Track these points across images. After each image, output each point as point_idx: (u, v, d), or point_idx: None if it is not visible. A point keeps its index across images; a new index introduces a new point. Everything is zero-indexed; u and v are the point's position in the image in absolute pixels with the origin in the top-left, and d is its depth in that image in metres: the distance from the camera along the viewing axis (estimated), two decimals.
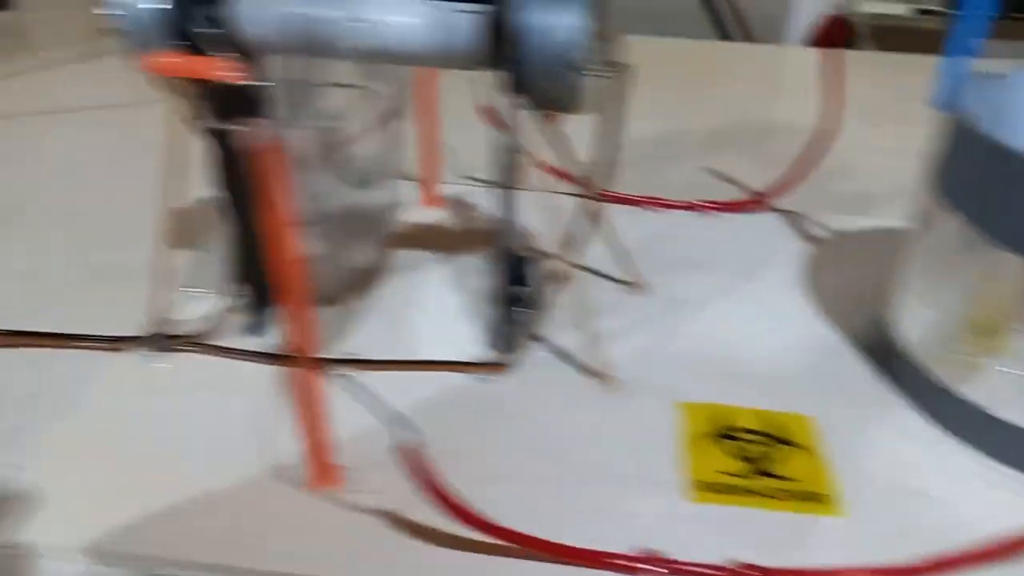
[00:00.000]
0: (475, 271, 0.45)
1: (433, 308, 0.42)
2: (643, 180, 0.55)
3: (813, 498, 0.33)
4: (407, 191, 0.50)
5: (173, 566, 0.29)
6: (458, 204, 0.51)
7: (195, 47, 0.31)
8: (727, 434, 0.35)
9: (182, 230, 0.44)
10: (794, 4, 0.84)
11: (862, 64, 0.77)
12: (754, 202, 0.52)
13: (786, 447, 0.35)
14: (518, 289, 0.40)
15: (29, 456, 0.33)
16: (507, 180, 0.34)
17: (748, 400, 0.37)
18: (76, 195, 0.52)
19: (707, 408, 0.36)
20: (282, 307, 0.25)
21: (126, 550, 0.29)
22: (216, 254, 0.38)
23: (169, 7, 0.30)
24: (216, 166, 0.34)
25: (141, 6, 0.31)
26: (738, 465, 0.34)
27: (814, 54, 0.83)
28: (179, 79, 0.30)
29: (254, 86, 0.29)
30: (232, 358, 0.38)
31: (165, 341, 0.38)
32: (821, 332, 0.41)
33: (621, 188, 0.50)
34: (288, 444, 0.33)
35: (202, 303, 0.41)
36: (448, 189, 0.52)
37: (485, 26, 0.31)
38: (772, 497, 0.33)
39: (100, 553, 0.29)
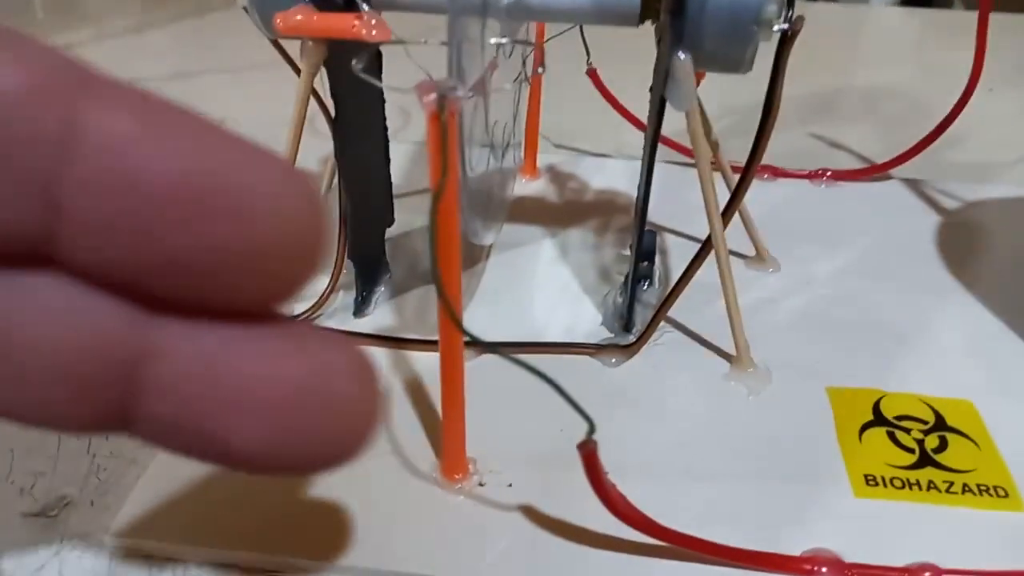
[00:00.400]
0: (585, 246, 0.42)
1: (547, 287, 0.39)
2: (745, 146, 0.51)
3: (992, 492, 0.29)
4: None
5: (292, 569, 0.26)
6: (557, 174, 0.48)
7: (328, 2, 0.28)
8: (888, 422, 0.32)
9: None
10: None
11: (957, 24, 0.72)
12: (877, 169, 0.48)
13: (952, 435, 0.31)
14: (644, 265, 0.37)
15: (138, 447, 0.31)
16: (650, 147, 0.30)
17: (900, 383, 0.34)
18: None
19: (862, 393, 0.33)
20: (437, 287, 0.22)
21: (239, 551, 0.26)
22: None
23: None
24: (339, 135, 0.31)
25: None
26: (905, 456, 0.31)
27: (900, 14, 0.79)
28: (313, 40, 0.27)
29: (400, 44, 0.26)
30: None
31: None
32: (967, 308, 0.38)
33: (728, 157, 0.47)
34: (409, 432, 0.31)
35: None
36: (544, 159, 0.49)
37: None
38: (947, 491, 0.29)
39: (212, 553, 0.26)
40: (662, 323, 0.36)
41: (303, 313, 0.36)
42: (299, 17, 0.27)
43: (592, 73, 0.44)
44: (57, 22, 0.73)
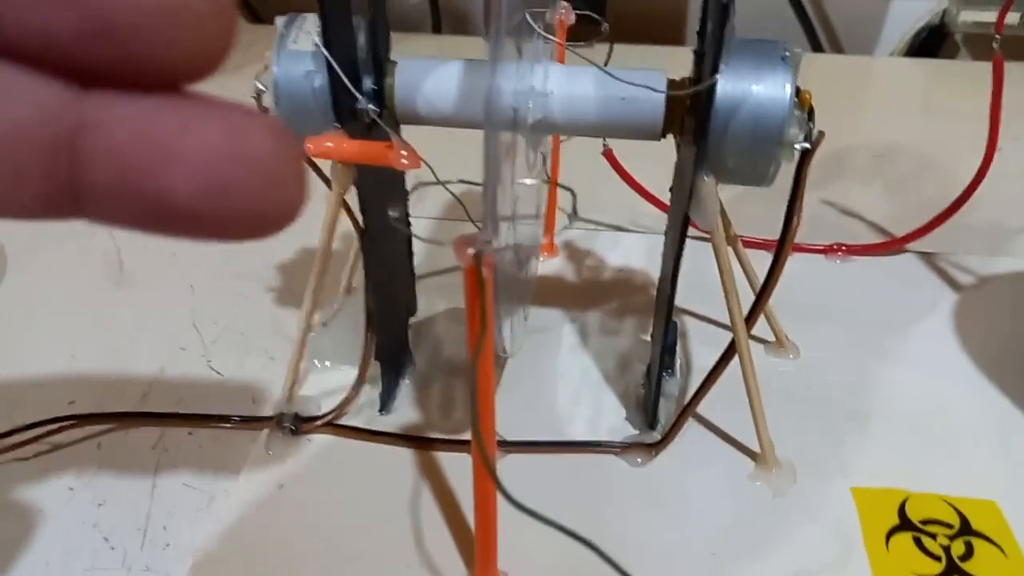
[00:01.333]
0: (604, 330, 0.42)
1: (568, 376, 0.39)
2: (756, 216, 0.51)
3: None
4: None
5: None
6: (574, 251, 0.48)
7: (357, 127, 0.28)
8: (914, 526, 0.32)
9: (297, 299, 0.42)
10: (889, 13, 0.80)
11: (966, 76, 0.73)
12: (891, 244, 0.48)
13: (978, 540, 0.32)
14: (667, 355, 0.38)
15: (165, 555, 0.31)
16: (677, 237, 0.31)
17: (924, 481, 0.34)
18: (183, 252, 0.50)
19: (886, 495, 0.33)
20: (474, 434, 0.23)
21: None
22: (350, 325, 0.35)
23: (323, 82, 0.28)
24: (366, 243, 0.32)
25: (289, 83, 0.29)
26: (932, 565, 0.31)
27: (910, 65, 0.79)
28: (341, 164, 0.28)
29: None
30: (366, 440, 0.36)
31: (295, 422, 0.36)
32: (987, 396, 0.38)
33: (743, 226, 0.47)
34: (438, 541, 0.31)
35: (333, 376, 0.38)
36: (560, 235, 0.49)
37: (679, 101, 0.28)
38: None
39: None
40: (687, 416, 0.36)
41: (331, 412, 0.36)
42: (329, 144, 0.28)
43: (608, 154, 0.44)
44: None
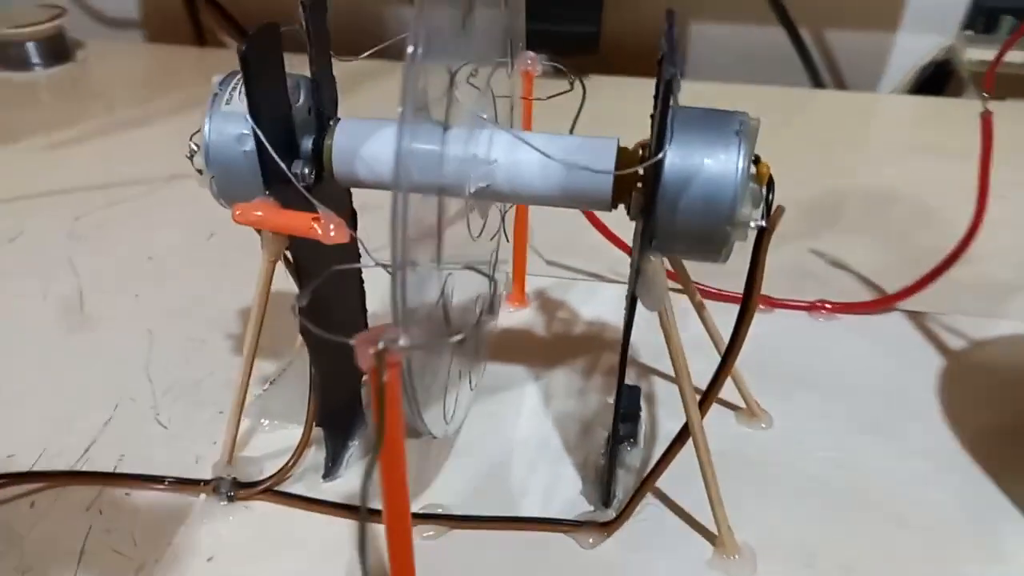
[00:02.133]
0: (569, 391, 0.40)
1: (526, 443, 0.37)
2: (737, 267, 0.49)
3: None
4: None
5: None
6: (545, 301, 0.47)
7: (290, 194, 0.27)
8: None
9: (263, 352, 0.41)
10: (894, 49, 0.78)
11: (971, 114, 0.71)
12: (879, 304, 0.46)
13: None
14: (626, 426, 0.36)
15: None
16: (629, 317, 0.29)
17: (900, 572, 0.32)
18: (147, 293, 0.48)
19: None
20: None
21: None
22: (299, 384, 0.34)
23: (252, 148, 0.26)
24: (305, 306, 0.30)
25: (221, 145, 0.27)
26: None
27: (914, 103, 0.77)
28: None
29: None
30: (305, 508, 0.34)
31: (232, 487, 0.34)
32: (972, 479, 0.36)
33: (707, 277, 0.45)
34: None
35: (277, 436, 0.37)
36: (533, 282, 0.48)
37: (627, 174, 0.26)
38: None
39: None
40: (645, 493, 0.34)
41: (269, 478, 0.35)
42: (259, 213, 0.27)
43: (588, 213, 0.43)
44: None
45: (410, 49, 0.19)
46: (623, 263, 0.49)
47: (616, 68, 0.74)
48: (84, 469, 0.36)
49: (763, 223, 0.26)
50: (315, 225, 0.26)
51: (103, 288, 0.48)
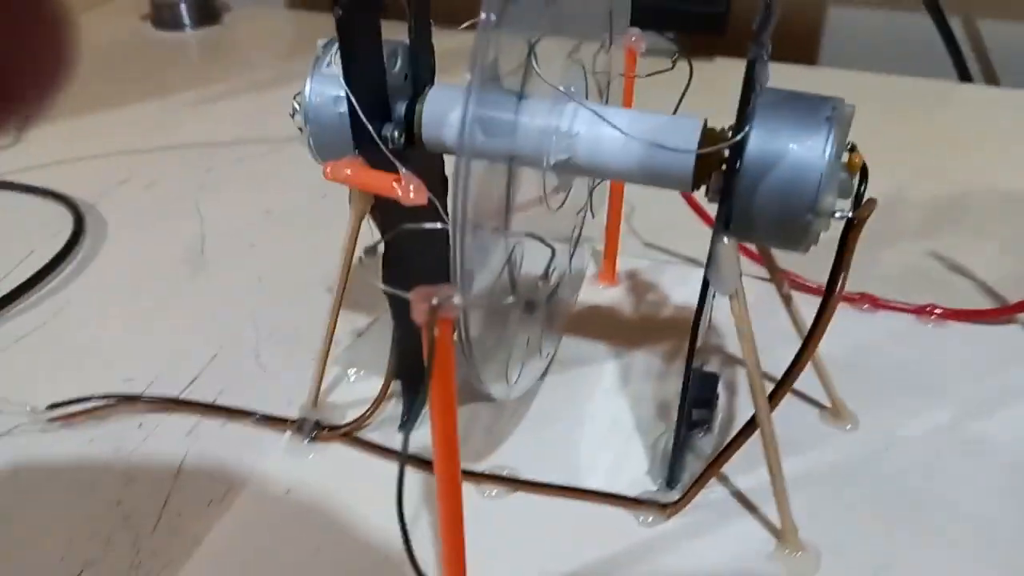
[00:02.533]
0: (649, 374, 0.40)
1: (599, 418, 0.38)
2: (852, 264, 0.47)
3: None
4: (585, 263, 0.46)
5: None
6: (637, 282, 0.46)
7: (378, 154, 0.28)
8: None
9: (358, 306, 0.43)
10: None
11: None
12: (997, 313, 0.43)
13: None
14: (700, 411, 0.35)
15: (172, 542, 0.32)
16: (702, 300, 0.29)
17: None
18: (262, 244, 0.52)
19: None
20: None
21: None
22: (384, 337, 0.35)
23: (346, 109, 0.28)
24: (387, 262, 0.31)
25: (319, 106, 0.29)
26: None
27: None
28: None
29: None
30: (378, 456, 0.36)
31: (314, 428, 0.36)
32: None
33: (806, 270, 0.44)
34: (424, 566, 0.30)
35: (363, 385, 0.39)
36: (627, 263, 0.47)
37: (710, 155, 0.26)
38: None
39: None
40: (712, 479, 0.34)
41: (349, 424, 0.36)
42: (347, 171, 0.28)
43: (687, 196, 0.42)
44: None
45: (483, 16, 0.19)
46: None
47: (745, 51, 0.71)
48: (187, 398, 0.39)
49: (849, 214, 0.25)
50: (395, 185, 0.27)
51: (223, 236, 0.52)
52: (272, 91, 0.71)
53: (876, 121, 0.64)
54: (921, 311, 0.43)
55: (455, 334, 0.23)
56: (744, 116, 0.24)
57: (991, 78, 0.75)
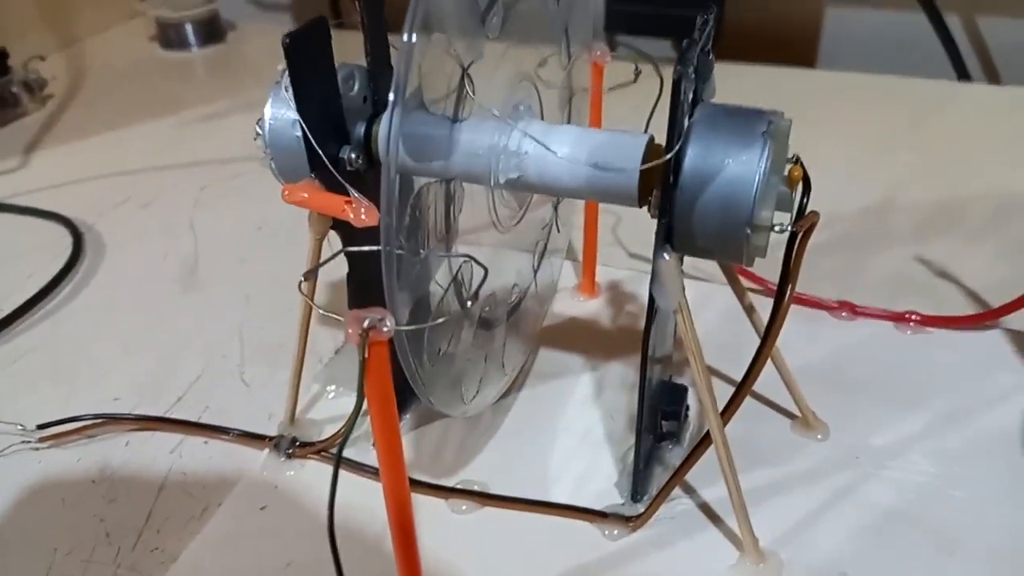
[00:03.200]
0: (623, 385, 0.40)
1: (571, 431, 0.38)
2: (833, 270, 0.47)
3: None
4: (563, 273, 0.46)
5: None
6: (617, 293, 0.47)
7: (329, 177, 0.29)
8: None
9: (337, 321, 0.44)
10: None
11: None
12: (978, 319, 0.42)
13: None
14: (668, 423, 0.36)
15: (151, 558, 0.33)
16: (649, 314, 0.29)
17: None
18: (253, 260, 0.53)
19: None
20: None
21: None
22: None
23: (300, 134, 0.28)
24: (351, 281, 0.32)
25: (278, 130, 0.30)
26: None
27: None
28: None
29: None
30: (353, 472, 0.36)
31: (290, 445, 0.37)
32: None
33: (801, 282, 0.43)
34: None
35: (340, 402, 0.40)
36: (609, 274, 0.48)
37: (652, 171, 0.26)
38: None
39: None
40: (676, 490, 0.34)
41: (327, 439, 0.37)
42: (304, 194, 0.29)
43: None
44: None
45: (404, 37, 0.20)
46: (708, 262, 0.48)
47: (738, 55, 0.71)
48: (173, 416, 0.40)
49: (789, 227, 0.26)
50: (347, 208, 0.27)
51: (215, 253, 0.53)
52: None
53: (874, 122, 0.64)
54: (900, 318, 0.43)
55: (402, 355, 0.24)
56: (674, 133, 0.24)
57: (992, 76, 0.74)
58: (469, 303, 0.28)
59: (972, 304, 0.45)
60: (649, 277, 0.25)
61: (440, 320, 0.25)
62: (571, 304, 0.46)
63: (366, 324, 0.21)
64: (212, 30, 0.85)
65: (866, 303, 0.44)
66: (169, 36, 0.84)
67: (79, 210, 0.57)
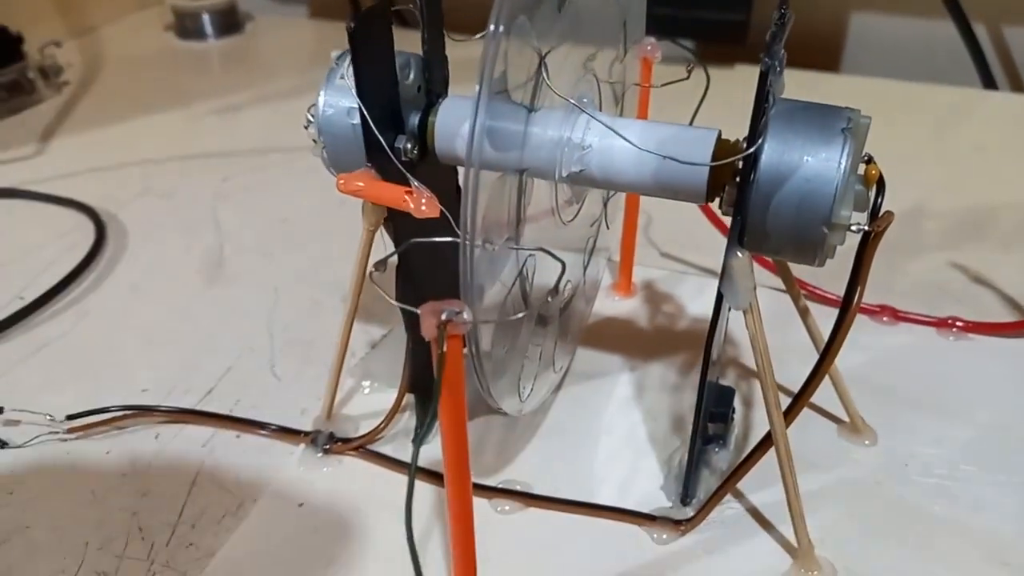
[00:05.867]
0: (664, 386, 0.40)
1: (613, 432, 0.37)
2: (870, 275, 0.46)
3: None
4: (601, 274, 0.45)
5: None
6: (653, 293, 0.46)
7: (391, 167, 0.28)
8: None
9: (375, 317, 0.43)
10: None
11: None
12: (1021, 325, 0.42)
13: None
14: (715, 426, 0.35)
15: (186, 554, 0.32)
16: (716, 313, 0.28)
17: None
18: (279, 254, 0.52)
19: None
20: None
21: None
22: (398, 349, 0.35)
23: (358, 121, 0.28)
24: (401, 274, 0.31)
25: (332, 118, 0.29)
26: None
27: None
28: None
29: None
30: (391, 468, 0.36)
31: (327, 441, 0.36)
32: None
33: (826, 281, 0.43)
34: None
35: (377, 397, 0.39)
36: (644, 273, 0.47)
37: (723, 167, 0.26)
38: None
39: None
40: (727, 495, 0.33)
41: (365, 435, 0.36)
42: (359, 184, 0.28)
43: (705, 207, 0.42)
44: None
45: (490, 27, 0.19)
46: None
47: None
48: (204, 409, 0.39)
49: (865, 227, 0.25)
50: (407, 198, 0.27)
51: (240, 246, 0.52)
52: (293, 100, 0.71)
53: (899, 129, 0.64)
54: (943, 324, 0.42)
55: (465, 349, 0.23)
56: (757, 128, 0.24)
57: (1016, 84, 0.74)
58: (549, 298, 0.27)
59: (1010, 310, 0.45)
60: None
61: (521, 315, 0.24)
62: (607, 303, 0.45)
63: (444, 316, 0.20)
64: (230, 21, 0.84)
65: (903, 308, 0.44)
66: (186, 26, 0.83)
67: (98, 199, 0.56)
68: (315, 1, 0.96)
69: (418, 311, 0.21)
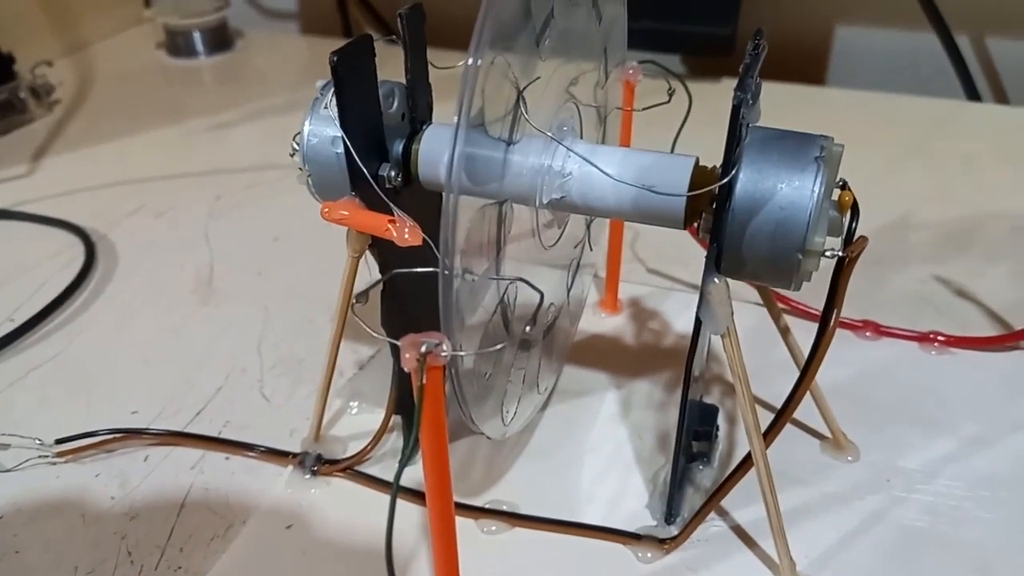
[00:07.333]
0: (650, 403, 0.40)
1: (599, 450, 0.38)
2: (852, 289, 0.47)
3: None
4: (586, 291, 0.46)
5: None
6: (639, 310, 0.47)
7: (376, 196, 0.28)
8: None
9: (363, 338, 0.44)
10: None
11: None
12: (1002, 340, 0.42)
13: None
14: (699, 444, 0.35)
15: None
16: (695, 337, 0.29)
17: None
18: (270, 272, 0.52)
19: None
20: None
21: None
22: (385, 370, 0.36)
23: (343, 150, 0.28)
24: (386, 300, 0.32)
25: (317, 147, 0.29)
26: None
27: None
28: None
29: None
30: (379, 489, 0.36)
31: (315, 462, 0.37)
32: None
33: (808, 297, 0.43)
34: None
35: (364, 418, 0.39)
36: (630, 290, 0.47)
37: (700, 194, 0.26)
38: None
39: None
40: (711, 513, 0.34)
41: (353, 456, 0.37)
42: (344, 212, 0.28)
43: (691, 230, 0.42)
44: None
45: (468, 61, 0.20)
46: None
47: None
48: (193, 431, 0.40)
49: (840, 253, 0.25)
50: (390, 227, 0.27)
51: (231, 264, 0.52)
52: (284, 117, 0.72)
53: (883, 141, 0.64)
54: (924, 338, 0.43)
55: (446, 378, 0.24)
56: (731, 158, 0.24)
57: (1000, 96, 0.74)
58: (528, 328, 0.28)
59: (992, 324, 0.45)
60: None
61: (500, 346, 0.25)
62: (594, 321, 0.45)
63: (423, 349, 0.21)
64: (220, 38, 0.84)
65: (886, 322, 0.44)
66: (177, 43, 0.84)
67: (90, 218, 0.57)
68: (305, 17, 0.97)
69: (399, 343, 0.21)
